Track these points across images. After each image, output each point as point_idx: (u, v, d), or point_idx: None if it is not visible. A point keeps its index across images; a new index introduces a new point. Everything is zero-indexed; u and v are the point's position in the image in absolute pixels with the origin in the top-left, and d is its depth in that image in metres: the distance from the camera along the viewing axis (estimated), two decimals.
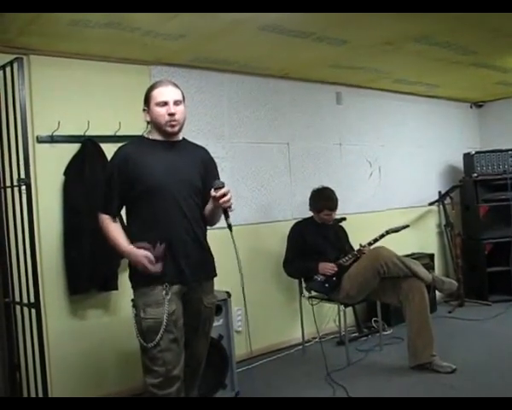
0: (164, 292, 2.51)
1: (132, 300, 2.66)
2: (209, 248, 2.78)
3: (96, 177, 3.66)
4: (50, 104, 3.71)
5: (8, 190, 3.36)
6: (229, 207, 2.58)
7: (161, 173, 2.58)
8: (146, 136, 2.76)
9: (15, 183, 3.27)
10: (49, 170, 3.69)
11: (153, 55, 4.05)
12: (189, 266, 2.60)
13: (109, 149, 3.75)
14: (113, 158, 2.73)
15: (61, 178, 3.72)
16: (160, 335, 2.47)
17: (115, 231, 2.63)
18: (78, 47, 3.70)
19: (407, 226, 4.60)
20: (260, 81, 4.94)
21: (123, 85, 4.01)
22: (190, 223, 2.62)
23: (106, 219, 2.64)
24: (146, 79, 4.09)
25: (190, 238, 2.62)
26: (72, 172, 3.73)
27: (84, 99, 3.84)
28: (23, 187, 3.19)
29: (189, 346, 2.68)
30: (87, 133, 3.79)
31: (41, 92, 3.68)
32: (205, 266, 2.72)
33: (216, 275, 2.82)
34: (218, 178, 2.76)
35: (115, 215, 2.66)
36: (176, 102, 2.62)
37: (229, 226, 2.59)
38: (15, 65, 3.16)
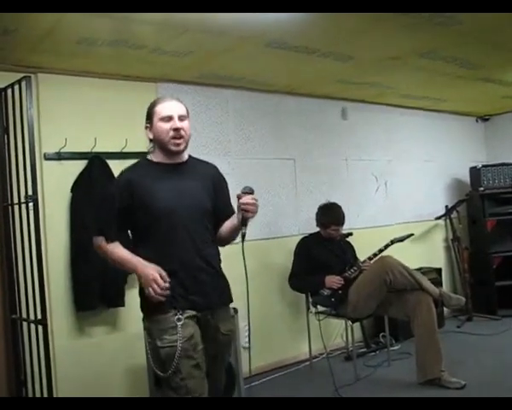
0: (176, 318, 2.36)
1: (145, 328, 2.49)
2: (222, 273, 2.61)
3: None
4: (58, 121, 3.74)
5: (16, 207, 3.38)
6: (249, 213, 2.38)
7: (168, 199, 2.43)
8: (149, 158, 2.57)
9: (23, 200, 3.29)
10: (56, 187, 3.71)
11: (159, 72, 4.08)
12: (201, 293, 2.44)
13: (116, 166, 3.78)
14: (114, 184, 2.62)
15: (68, 194, 3.74)
16: (176, 360, 2.29)
17: (118, 248, 2.47)
18: (85, 65, 3.74)
19: (411, 235, 4.59)
20: (266, 97, 4.96)
21: (129, 102, 4.03)
22: (200, 248, 2.47)
23: (103, 242, 2.48)
24: (152, 96, 4.08)
25: (201, 264, 2.47)
26: (80, 188, 3.75)
27: (90, 116, 3.87)
28: (30, 204, 3.22)
29: (208, 376, 2.47)
30: (94, 150, 3.82)
31: (48, 110, 3.71)
32: (218, 291, 2.55)
33: (231, 301, 2.66)
34: (229, 195, 2.67)
35: (113, 241, 2.48)
36: (181, 118, 2.47)
37: (243, 235, 2.44)
38: (23, 83, 3.20)
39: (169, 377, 2.32)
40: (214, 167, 2.71)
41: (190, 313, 2.41)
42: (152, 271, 2.34)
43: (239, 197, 2.39)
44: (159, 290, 2.32)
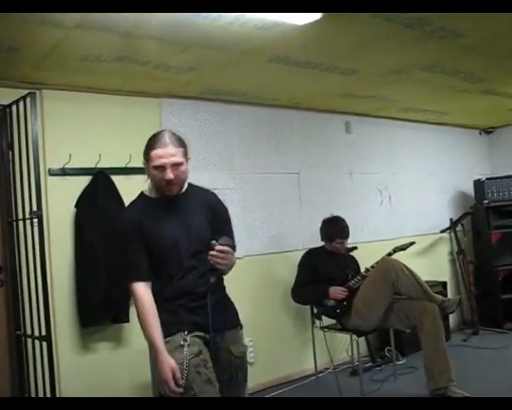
0: (182, 339, 2.34)
1: (152, 353, 2.44)
2: (228, 297, 2.62)
3: (107, 209, 3.69)
4: (62, 137, 3.75)
5: (21, 223, 3.38)
6: (218, 265, 2.39)
7: (169, 232, 2.44)
8: (148, 194, 2.56)
9: (28, 215, 3.30)
10: (60, 202, 3.71)
11: (163, 87, 4.10)
12: (207, 317, 2.40)
13: (120, 181, 3.80)
14: (122, 225, 2.56)
15: (72, 210, 3.74)
16: (185, 376, 2.26)
17: (152, 317, 2.37)
18: (89, 81, 3.76)
19: (413, 243, 4.58)
20: (269, 112, 4.97)
21: (133, 118, 4.05)
22: (204, 274, 2.46)
23: (139, 290, 2.41)
24: (156, 112, 4.14)
25: (205, 291, 2.43)
26: (84, 204, 3.75)
27: (94, 132, 3.89)
28: (35, 220, 3.23)
29: None
30: (98, 166, 3.82)
31: (53, 126, 3.73)
32: (224, 315, 2.53)
33: (240, 324, 2.62)
34: (229, 222, 2.65)
35: (148, 279, 2.44)
36: (175, 166, 2.40)
37: (210, 283, 2.42)
38: (28, 100, 3.22)
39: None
40: (213, 194, 2.69)
41: (198, 333, 2.40)
42: (168, 371, 2.26)
43: (212, 246, 2.37)
44: (167, 392, 2.27)
